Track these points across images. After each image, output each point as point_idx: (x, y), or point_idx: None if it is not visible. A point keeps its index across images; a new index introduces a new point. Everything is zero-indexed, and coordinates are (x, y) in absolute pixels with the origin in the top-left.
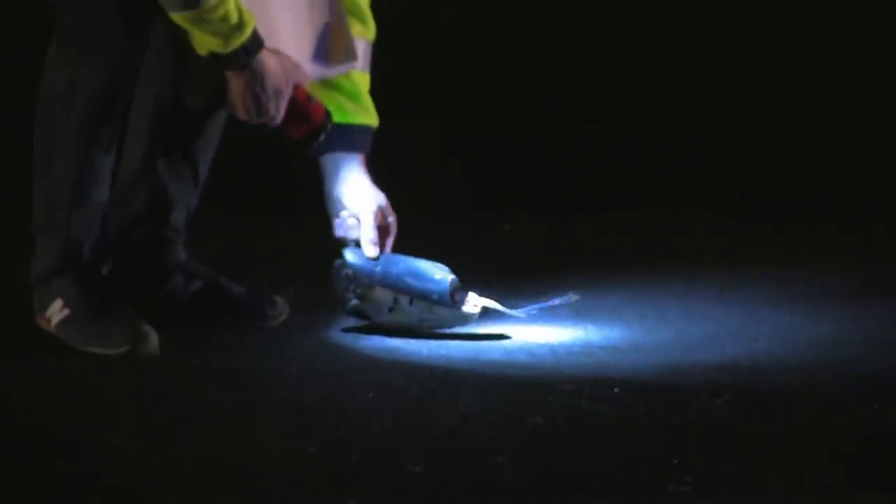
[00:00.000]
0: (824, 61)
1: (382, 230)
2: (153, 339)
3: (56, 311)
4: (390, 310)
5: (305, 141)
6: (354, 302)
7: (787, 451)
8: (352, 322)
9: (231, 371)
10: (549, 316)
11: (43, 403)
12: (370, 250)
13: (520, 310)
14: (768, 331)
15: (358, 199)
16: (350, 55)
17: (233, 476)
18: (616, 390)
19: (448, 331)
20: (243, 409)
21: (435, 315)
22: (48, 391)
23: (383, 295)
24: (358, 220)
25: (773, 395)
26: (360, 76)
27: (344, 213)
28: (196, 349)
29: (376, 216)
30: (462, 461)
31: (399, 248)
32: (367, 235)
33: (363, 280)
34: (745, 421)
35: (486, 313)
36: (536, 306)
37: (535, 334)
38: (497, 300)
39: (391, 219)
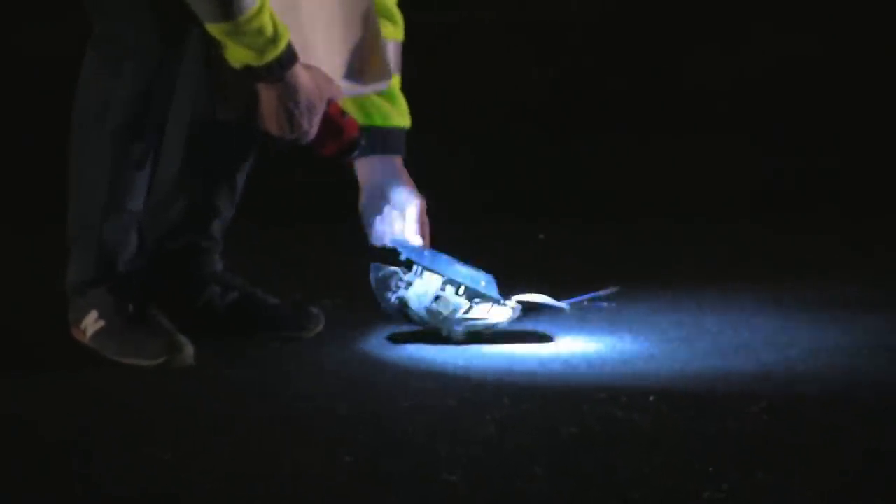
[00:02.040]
0: (851, 67)
1: (423, 227)
2: (189, 349)
3: (91, 323)
4: (436, 298)
5: (337, 157)
6: (398, 294)
7: (822, 461)
8: (387, 331)
9: (266, 382)
10: (585, 324)
11: (78, 414)
12: (415, 239)
13: (564, 302)
14: (804, 338)
15: (401, 195)
16: (385, 73)
17: (268, 486)
18: (651, 399)
19: (485, 333)
20: (278, 419)
21: (477, 308)
22: (83, 402)
23: (432, 280)
24: (401, 214)
25: (808, 404)
26: (394, 77)
27: (387, 208)
28: (231, 360)
29: (421, 214)
30: (497, 471)
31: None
32: (411, 226)
33: (411, 268)
34: (780, 429)
35: (526, 312)
36: (580, 298)
37: (570, 343)
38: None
39: (424, 217)
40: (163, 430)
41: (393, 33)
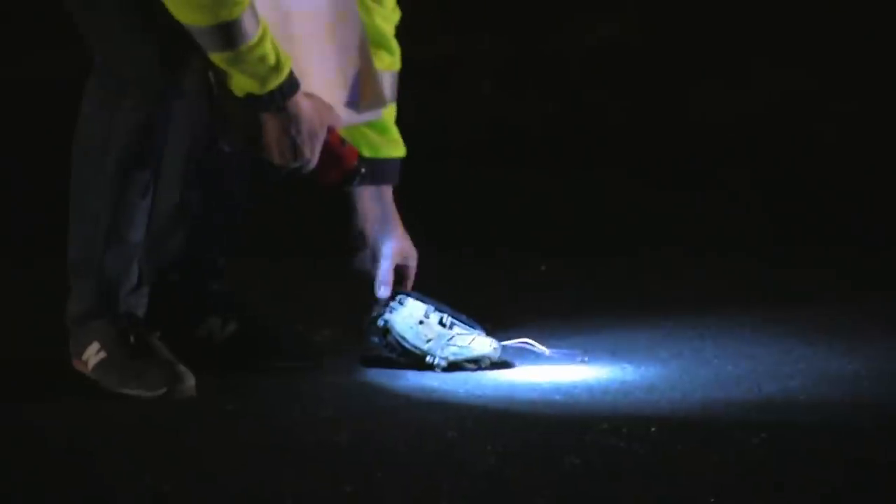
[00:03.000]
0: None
1: (400, 270)
2: (190, 380)
3: (93, 354)
4: (420, 322)
5: (338, 185)
6: (382, 317)
7: (824, 492)
8: (388, 361)
9: (267, 412)
10: (586, 354)
11: (79, 445)
12: (381, 290)
13: (551, 351)
14: (804, 368)
15: (379, 237)
16: (379, 102)
17: None
18: (653, 429)
19: (468, 366)
20: (279, 450)
21: (460, 338)
22: (85, 433)
23: (416, 307)
24: (378, 254)
25: (809, 434)
26: (388, 108)
27: (367, 251)
28: (232, 391)
29: (394, 256)
30: (500, 501)
31: (428, 285)
32: (380, 275)
33: (398, 296)
34: (781, 460)
35: (506, 351)
36: (560, 351)
37: (571, 374)
38: (525, 339)
39: (412, 260)
40: (163, 461)
41: (390, 63)
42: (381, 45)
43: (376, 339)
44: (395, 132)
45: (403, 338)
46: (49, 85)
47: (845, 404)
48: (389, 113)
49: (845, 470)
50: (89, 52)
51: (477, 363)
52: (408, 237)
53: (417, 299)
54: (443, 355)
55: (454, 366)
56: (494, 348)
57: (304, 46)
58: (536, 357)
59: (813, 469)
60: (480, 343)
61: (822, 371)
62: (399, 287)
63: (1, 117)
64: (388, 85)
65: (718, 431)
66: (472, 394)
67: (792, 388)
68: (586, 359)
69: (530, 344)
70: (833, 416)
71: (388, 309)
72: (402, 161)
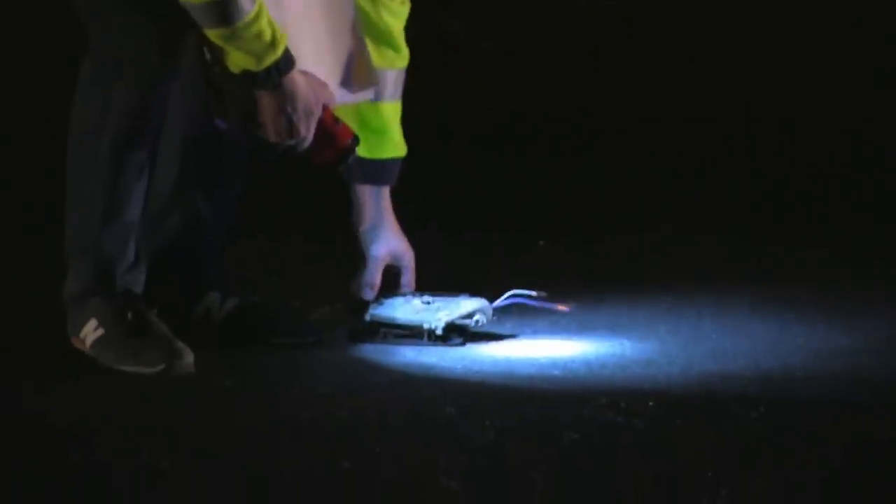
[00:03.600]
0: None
1: (392, 271)
2: (188, 357)
3: (91, 331)
4: (403, 304)
5: (332, 164)
6: (370, 314)
7: (822, 465)
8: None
9: (265, 389)
10: (585, 329)
11: (77, 423)
12: (366, 292)
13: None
14: (802, 344)
15: (370, 241)
16: (370, 80)
17: (267, 494)
18: (651, 404)
19: (467, 328)
20: (277, 427)
21: (448, 306)
22: (83, 410)
23: (396, 299)
24: (365, 258)
25: (807, 409)
26: (390, 107)
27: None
28: (230, 368)
29: (383, 258)
30: (497, 477)
31: (426, 263)
32: (367, 277)
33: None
34: (779, 435)
35: (498, 314)
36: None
37: (569, 348)
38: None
39: (405, 261)
40: (162, 438)
41: (393, 60)
42: (386, 42)
43: (367, 338)
44: (395, 132)
45: (394, 318)
46: (44, 65)
47: (844, 380)
48: (391, 112)
49: (844, 445)
50: (84, 32)
51: (472, 318)
52: (402, 238)
53: (395, 296)
54: (437, 317)
55: (451, 327)
56: (484, 307)
57: (297, 25)
58: (528, 321)
59: (811, 444)
60: (469, 302)
61: (821, 347)
62: (391, 288)
63: None
64: (391, 83)
65: (717, 407)
66: (470, 369)
67: (790, 364)
68: (572, 305)
69: (518, 295)
70: (831, 391)
71: (369, 309)
72: (402, 160)
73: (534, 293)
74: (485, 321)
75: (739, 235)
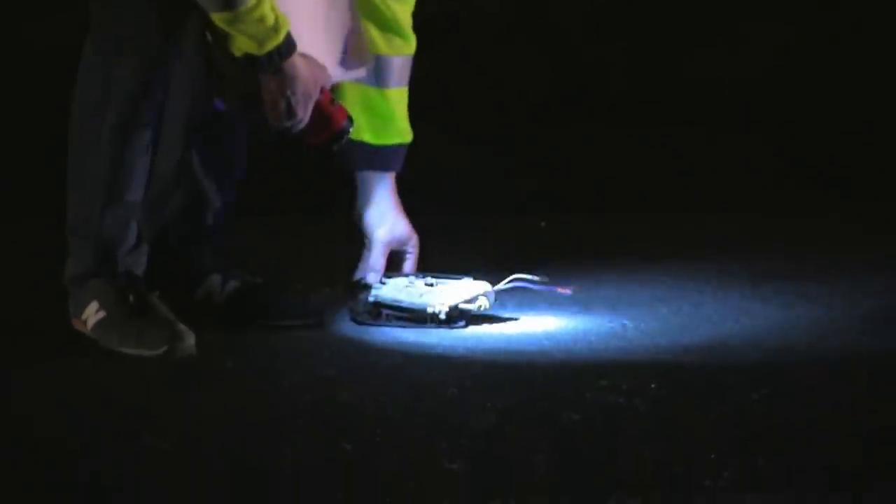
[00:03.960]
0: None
1: (395, 256)
2: (190, 339)
3: (92, 313)
4: (407, 287)
5: (326, 145)
6: (370, 297)
7: (824, 446)
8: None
9: (267, 371)
10: (586, 311)
11: (79, 404)
12: (370, 276)
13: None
14: (805, 325)
15: (374, 225)
16: (363, 59)
17: (268, 476)
18: (653, 386)
19: (468, 311)
20: (279, 409)
21: (451, 289)
22: (84, 392)
23: (398, 279)
24: (369, 242)
25: (810, 389)
26: (397, 93)
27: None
28: (232, 350)
29: (386, 242)
30: (499, 459)
31: (427, 243)
32: (371, 261)
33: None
34: (781, 415)
35: (501, 298)
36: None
37: (571, 330)
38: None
39: (409, 246)
40: (163, 420)
41: (400, 47)
42: (393, 29)
43: (370, 319)
44: (401, 118)
45: (398, 300)
46: (42, 49)
47: (846, 359)
48: (398, 98)
49: (846, 425)
50: (86, 14)
51: (475, 302)
52: (406, 222)
53: (398, 275)
54: (441, 301)
55: (455, 311)
56: (487, 291)
57: (295, 4)
58: (530, 303)
59: (813, 425)
60: (472, 286)
61: (824, 326)
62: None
63: None
64: (397, 70)
65: (718, 387)
66: (472, 351)
67: (792, 344)
68: (573, 289)
69: (521, 279)
70: (834, 372)
71: (372, 289)
72: (408, 145)
73: (536, 278)
74: (487, 305)
75: (740, 214)
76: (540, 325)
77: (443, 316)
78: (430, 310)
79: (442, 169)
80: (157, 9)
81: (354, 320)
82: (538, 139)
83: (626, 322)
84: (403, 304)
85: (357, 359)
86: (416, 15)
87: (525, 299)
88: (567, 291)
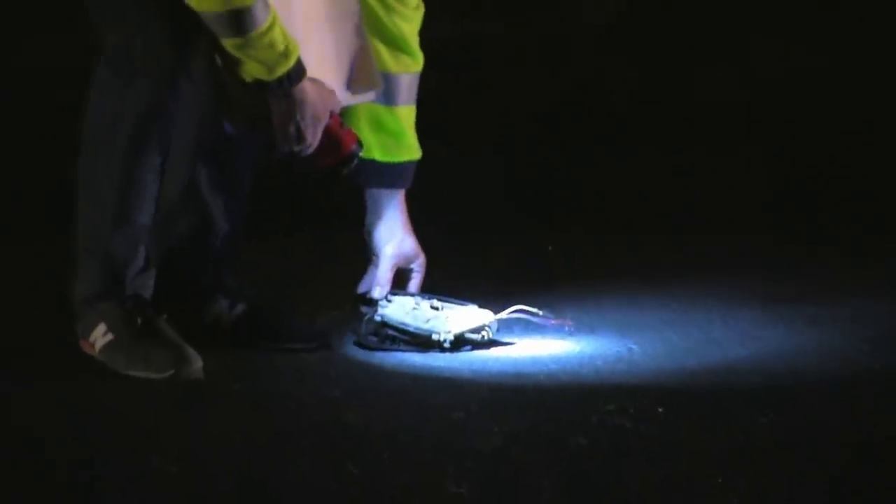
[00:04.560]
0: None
1: (401, 274)
2: (197, 362)
3: (100, 336)
4: (413, 309)
5: (335, 169)
6: (377, 315)
7: (831, 471)
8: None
9: (274, 393)
10: (594, 334)
11: (86, 426)
12: (376, 291)
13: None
14: (812, 348)
15: (383, 241)
16: (372, 83)
17: (275, 498)
18: (660, 410)
19: (474, 339)
20: (286, 431)
21: (457, 316)
22: (92, 414)
23: (405, 299)
24: (377, 259)
25: (816, 415)
26: (405, 110)
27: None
28: (239, 372)
29: (393, 259)
30: (505, 483)
31: (434, 266)
32: (378, 277)
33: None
34: (788, 440)
35: (503, 325)
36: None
37: (578, 353)
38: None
39: (416, 265)
40: (170, 443)
41: (408, 66)
42: (401, 48)
43: (374, 339)
44: (410, 136)
45: (404, 323)
46: (48, 72)
47: (853, 383)
48: (407, 115)
49: (854, 449)
50: (97, 35)
51: (479, 333)
52: (414, 241)
53: (404, 294)
54: (447, 329)
55: (460, 340)
56: (492, 321)
57: (304, 28)
58: (533, 328)
59: (820, 450)
60: (477, 315)
61: (831, 349)
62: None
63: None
64: (406, 87)
65: (726, 412)
66: (478, 374)
67: (799, 368)
68: (571, 325)
69: (523, 311)
70: (841, 396)
71: (378, 307)
72: (417, 163)
73: (537, 311)
74: (490, 335)
75: (748, 238)
76: (546, 348)
77: (447, 344)
78: (435, 337)
79: (446, 188)
80: (169, 32)
81: (358, 344)
82: (545, 160)
83: (632, 346)
84: (409, 328)
85: (364, 381)
86: (423, 35)
87: (531, 323)
88: (566, 324)
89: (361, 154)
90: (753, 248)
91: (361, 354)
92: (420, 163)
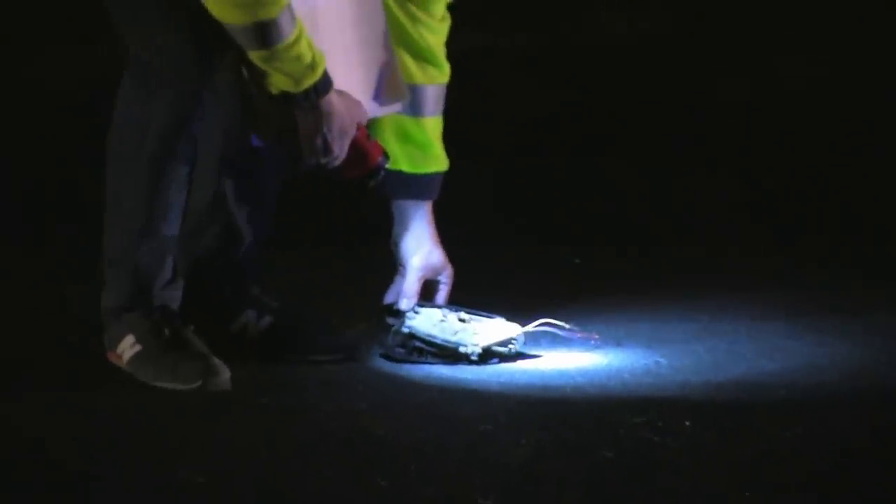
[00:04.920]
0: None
1: (428, 286)
2: (225, 373)
3: (128, 347)
4: (441, 321)
5: (362, 181)
6: (404, 327)
7: (860, 485)
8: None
9: (300, 405)
10: (620, 347)
11: (114, 437)
12: (403, 302)
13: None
14: (839, 361)
15: (410, 252)
16: (400, 93)
17: None
18: (687, 423)
19: (501, 352)
20: (313, 443)
21: (485, 329)
22: (119, 425)
23: (432, 311)
24: (404, 269)
25: (844, 428)
26: (432, 122)
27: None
28: (267, 384)
29: (421, 270)
30: (532, 496)
31: (462, 278)
32: (405, 288)
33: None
34: (815, 454)
35: (530, 338)
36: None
37: (604, 366)
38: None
39: (443, 277)
40: (198, 454)
41: (434, 76)
42: (427, 59)
43: (401, 350)
44: (437, 147)
45: (431, 335)
46: (62, 85)
47: (881, 397)
48: (433, 127)
49: (880, 464)
50: (122, 47)
51: (507, 346)
52: (442, 252)
53: (431, 306)
54: (474, 342)
55: (487, 353)
56: (519, 334)
57: (330, 39)
58: (560, 342)
59: (847, 462)
60: (505, 327)
61: (857, 363)
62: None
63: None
64: (432, 99)
65: (752, 426)
66: (506, 387)
67: (826, 381)
68: (598, 338)
69: (549, 324)
70: (868, 410)
71: (406, 318)
72: (444, 174)
73: (563, 324)
74: (517, 348)
75: (777, 252)
76: (573, 361)
77: (475, 357)
78: (462, 350)
79: (473, 199)
80: (195, 44)
81: (385, 356)
82: (572, 173)
83: (659, 359)
84: (437, 341)
85: (391, 393)
86: (448, 47)
87: (558, 336)
88: (592, 338)
89: (388, 165)
90: (779, 261)
91: (388, 367)
92: (448, 174)
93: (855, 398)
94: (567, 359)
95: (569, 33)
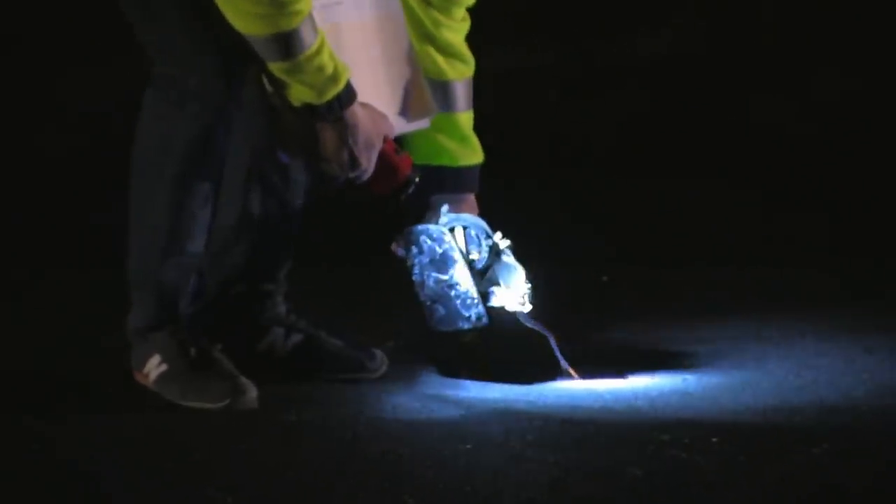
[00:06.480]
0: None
1: None
2: (252, 392)
3: (154, 367)
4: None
5: (392, 195)
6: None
7: (888, 501)
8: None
9: (329, 424)
10: (648, 365)
11: (141, 457)
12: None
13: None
14: (866, 378)
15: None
16: (427, 110)
17: None
18: (714, 440)
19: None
20: (341, 462)
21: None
22: (146, 445)
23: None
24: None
25: (872, 445)
26: (465, 116)
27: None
28: (295, 403)
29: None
30: None
31: None
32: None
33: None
34: (843, 471)
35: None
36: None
37: (632, 384)
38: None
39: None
40: (225, 473)
41: (463, 71)
42: (454, 55)
43: (457, 375)
44: (473, 140)
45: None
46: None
47: None
48: (467, 120)
49: None
50: (145, 62)
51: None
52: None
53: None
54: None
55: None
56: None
57: (353, 54)
58: (593, 357)
59: (875, 479)
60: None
61: (885, 380)
62: None
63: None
64: (462, 93)
65: (781, 442)
66: (533, 405)
67: (854, 398)
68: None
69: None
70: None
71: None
72: (481, 167)
73: (573, 373)
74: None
75: (803, 268)
76: (601, 379)
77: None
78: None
79: (503, 215)
80: (219, 58)
81: (446, 373)
82: (602, 191)
83: (687, 377)
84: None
85: (418, 411)
86: (483, 69)
87: (587, 355)
88: (573, 375)
89: (430, 161)
90: (808, 279)
91: (417, 385)
92: (478, 193)
93: (883, 415)
94: (594, 377)
95: (602, 53)
